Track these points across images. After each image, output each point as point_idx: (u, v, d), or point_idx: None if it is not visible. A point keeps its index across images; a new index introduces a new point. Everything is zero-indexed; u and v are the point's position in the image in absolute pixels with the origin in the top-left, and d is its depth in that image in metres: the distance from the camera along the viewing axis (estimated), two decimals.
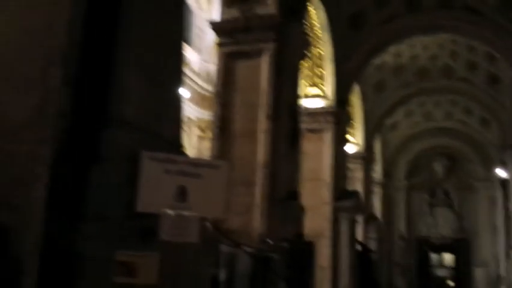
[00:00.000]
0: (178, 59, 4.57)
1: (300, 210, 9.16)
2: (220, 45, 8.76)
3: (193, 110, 17.39)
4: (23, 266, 3.09)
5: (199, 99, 17.57)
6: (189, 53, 16.40)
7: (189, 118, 17.39)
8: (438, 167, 26.49)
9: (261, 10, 8.26)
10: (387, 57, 18.36)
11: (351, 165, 17.77)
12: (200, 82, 17.50)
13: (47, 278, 3.06)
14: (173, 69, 4.45)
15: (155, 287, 2.81)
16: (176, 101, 4.42)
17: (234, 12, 8.39)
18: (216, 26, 8.87)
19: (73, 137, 3.39)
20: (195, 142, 17.70)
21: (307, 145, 12.29)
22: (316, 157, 13.22)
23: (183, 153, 4.00)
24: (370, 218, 19.05)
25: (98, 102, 3.67)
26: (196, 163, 3.31)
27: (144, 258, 2.86)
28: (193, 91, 17.28)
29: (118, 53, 3.83)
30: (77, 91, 3.49)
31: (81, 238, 3.20)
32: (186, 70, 16.19)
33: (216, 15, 10.03)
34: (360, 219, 16.35)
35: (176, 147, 4.16)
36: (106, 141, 3.54)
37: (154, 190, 3.07)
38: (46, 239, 3.12)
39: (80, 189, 3.30)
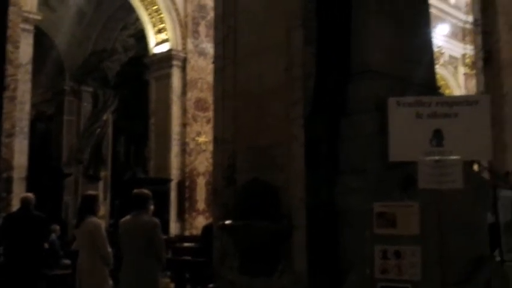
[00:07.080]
0: None
1: None
2: None
3: (456, 46, 16.18)
4: (294, 221, 3.30)
5: (461, 34, 16.23)
6: None
7: (452, 56, 16.25)
8: None
9: None
10: None
11: None
12: (460, 15, 16.12)
13: (313, 231, 3.21)
14: (420, 9, 4.13)
15: (419, 237, 2.68)
16: (427, 42, 4.12)
17: None
18: None
19: (321, 95, 3.44)
20: (461, 81, 16.50)
21: None
22: None
23: (437, 94, 3.71)
24: None
25: (342, 55, 3.65)
26: (451, 102, 2.98)
27: (404, 209, 2.75)
28: (453, 26, 16.05)
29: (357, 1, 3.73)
30: (320, 49, 3.52)
31: (340, 191, 3.25)
32: (442, 5, 15.09)
33: None
34: None
35: (431, 89, 3.88)
36: (354, 92, 3.50)
37: (407, 137, 2.90)
38: (309, 194, 3.26)
39: (334, 144, 3.35)
